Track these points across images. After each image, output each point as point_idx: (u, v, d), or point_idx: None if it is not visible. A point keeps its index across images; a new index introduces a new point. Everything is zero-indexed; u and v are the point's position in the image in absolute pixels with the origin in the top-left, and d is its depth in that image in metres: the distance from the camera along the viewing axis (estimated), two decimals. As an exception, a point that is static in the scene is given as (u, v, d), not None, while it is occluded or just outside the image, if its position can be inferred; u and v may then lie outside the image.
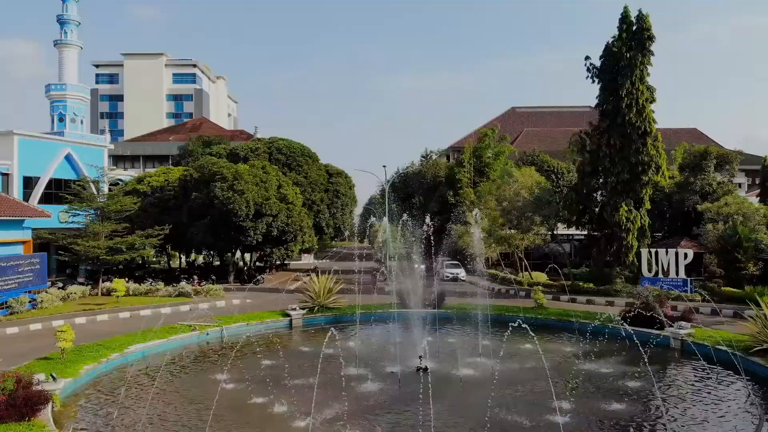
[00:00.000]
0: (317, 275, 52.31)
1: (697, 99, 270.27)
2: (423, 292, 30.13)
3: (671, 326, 20.49)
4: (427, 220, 27.22)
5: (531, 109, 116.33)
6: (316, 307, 24.54)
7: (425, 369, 16.16)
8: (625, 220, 31.83)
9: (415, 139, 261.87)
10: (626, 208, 31.93)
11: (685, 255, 32.12)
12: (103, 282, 39.81)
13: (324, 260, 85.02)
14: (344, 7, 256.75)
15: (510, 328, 15.10)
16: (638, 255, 32.62)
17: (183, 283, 36.59)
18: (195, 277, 37.76)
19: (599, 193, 33.17)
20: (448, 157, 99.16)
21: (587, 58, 33.20)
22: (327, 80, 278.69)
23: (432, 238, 24.35)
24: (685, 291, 31.72)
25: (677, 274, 32.31)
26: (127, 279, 39.28)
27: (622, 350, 18.82)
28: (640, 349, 16.16)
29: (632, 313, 21.81)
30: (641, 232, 32.60)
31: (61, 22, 64.05)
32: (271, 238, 41.93)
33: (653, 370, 16.25)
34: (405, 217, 25.33)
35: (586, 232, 37.59)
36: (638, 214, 32.41)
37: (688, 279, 32.15)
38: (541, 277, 40.15)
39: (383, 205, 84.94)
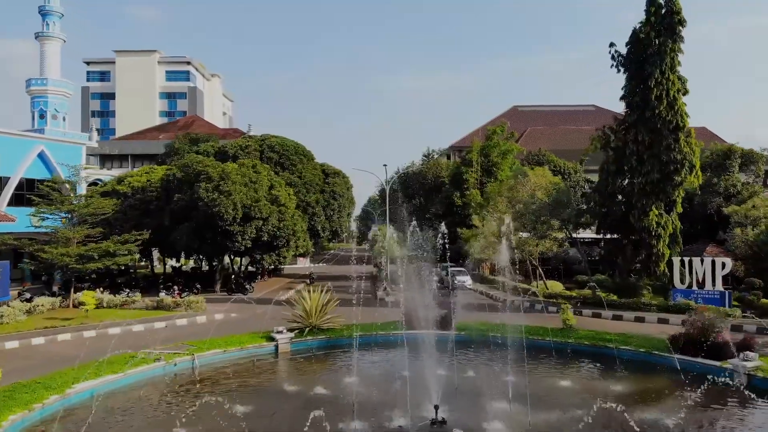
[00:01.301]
0: (310, 285, 49.45)
1: (697, 99, 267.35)
2: (432, 306, 26.86)
3: (735, 356, 17.00)
4: (443, 228, 23.64)
5: (534, 108, 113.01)
6: (308, 329, 20.93)
7: (442, 422, 12.67)
8: (655, 226, 28.40)
9: (415, 139, 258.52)
10: (656, 212, 28.50)
11: (723, 264, 28.68)
12: (76, 292, 36.38)
13: (320, 264, 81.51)
14: (345, 7, 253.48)
15: (540, 357, 11.60)
16: (669, 264, 29.16)
17: (162, 294, 33.08)
18: (175, 287, 34.18)
19: (625, 194, 29.65)
20: (448, 157, 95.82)
21: (612, 45, 29.82)
22: (326, 80, 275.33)
23: (445, 246, 20.75)
24: (723, 305, 28.30)
25: (713, 285, 28.88)
26: (101, 289, 35.78)
27: (681, 389, 15.32)
28: (703, 388, 12.80)
29: (684, 339, 18.26)
30: (672, 238, 29.16)
31: (43, 13, 60.52)
32: (262, 244, 38.41)
33: (731, 422, 12.80)
34: (413, 225, 21.51)
35: (600, 235, 34.16)
36: (669, 218, 28.96)
37: (726, 291, 28.71)
38: (556, 286, 36.69)
39: (382, 206, 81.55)
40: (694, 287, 29.26)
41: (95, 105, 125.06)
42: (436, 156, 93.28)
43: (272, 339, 19.94)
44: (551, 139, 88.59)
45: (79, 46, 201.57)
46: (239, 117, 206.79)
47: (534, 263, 35.23)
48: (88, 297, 29.88)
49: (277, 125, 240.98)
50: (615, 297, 31.61)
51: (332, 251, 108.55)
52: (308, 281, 48.56)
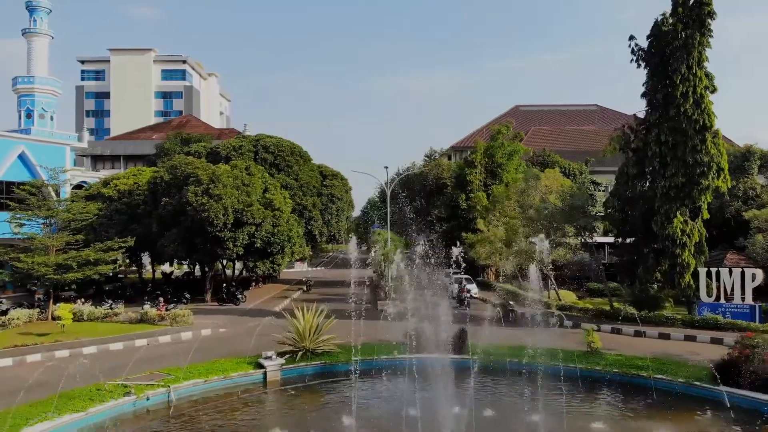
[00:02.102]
0: (307, 292, 47.30)
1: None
2: (438, 319, 24.65)
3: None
4: (457, 252, 21.36)
5: (536, 108, 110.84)
6: (301, 353, 18.59)
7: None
8: (680, 233, 26.10)
9: (414, 139, 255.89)
10: (681, 219, 26.20)
11: (753, 276, 26.43)
12: (58, 302, 34.14)
13: (318, 267, 79.25)
14: (344, 6, 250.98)
15: (566, 389, 9.37)
16: (694, 275, 26.89)
17: (146, 307, 30.77)
18: (161, 299, 31.86)
19: (646, 199, 27.32)
20: (449, 157, 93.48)
21: (632, 38, 27.51)
22: (326, 80, 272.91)
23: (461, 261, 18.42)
24: (753, 320, 26.07)
25: (743, 298, 26.64)
26: (83, 300, 33.53)
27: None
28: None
29: (734, 366, 15.90)
30: (698, 247, 26.87)
31: (30, 9, 58.20)
32: (255, 250, 36.10)
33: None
34: (417, 236, 19.14)
35: (611, 238, 31.77)
36: (695, 225, 26.67)
37: (756, 305, 26.47)
38: (569, 296, 34.44)
39: (382, 208, 79.19)
40: (722, 300, 27.03)
41: (90, 104, 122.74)
42: (437, 156, 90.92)
43: (260, 366, 17.63)
44: (555, 140, 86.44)
45: (76, 45, 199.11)
46: (237, 117, 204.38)
47: (546, 272, 32.91)
48: (64, 311, 27.60)
49: (274, 125, 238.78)
50: (634, 310, 29.37)
51: (331, 253, 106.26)
52: (305, 288, 46.34)
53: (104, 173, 78.11)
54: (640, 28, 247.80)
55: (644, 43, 27.84)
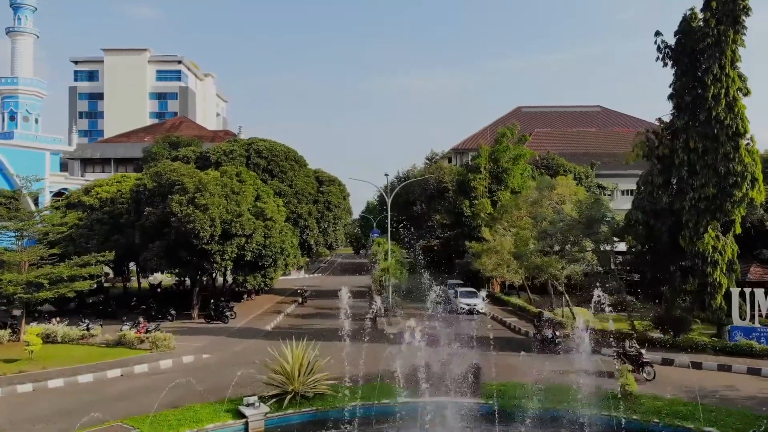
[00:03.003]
0: (302, 304, 44.71)
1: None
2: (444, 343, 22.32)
3: None
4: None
5: (538, 109, 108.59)
6: (289, 396, 16.04)
7: None
8: (711, 250, 23.63)
9: (414, 141, 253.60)
10: (713, 234, 23.72)
11: (792, 297, 23.95)
12: (33, 322, 31.71)
13: (315, 274, 76.70)
14: (345, 6, 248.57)
15: None
16: (726, 296, 24.40)
17: (125, 328, 28.22)
18: (141, 318, 29.30)
19: (673, 212, 24.80)
20: (449, 160, 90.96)
21: (658, 33, 25.03)
22: (325, 81, 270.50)
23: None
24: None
25: (780, 322, 24.17)
26: (58, 319, 31.00)
27: None
28: None
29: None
30: (729, 265, 24.37)
31: (15, 6, 55.67)
32: (245, 264, 33.62)
33: None
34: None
35: (624, 246, 29.22)
36: (726, 241, 24.18)
37: (795, 329, 23.99)
38: (584, 314, 31.88)
39: (381, 212, 76.58)
40: (757, 324, 24.56)
41: (83, 105, 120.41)
42: (437, 159, 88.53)
43: (241, 414, 15.09)
44: (558, 142, 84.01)
45: (75, 45, 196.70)
46: (235, 118, 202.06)
47: (559, 288, 30.49)
48: (32, 336, 25.02)
49: (273, 126, 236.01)
50: (659, 333, 26.89)
51: (328, 258, 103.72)
52: (300, 300, 43.82)
53: (93, 177, 75.72)
54: (640, 28, 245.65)
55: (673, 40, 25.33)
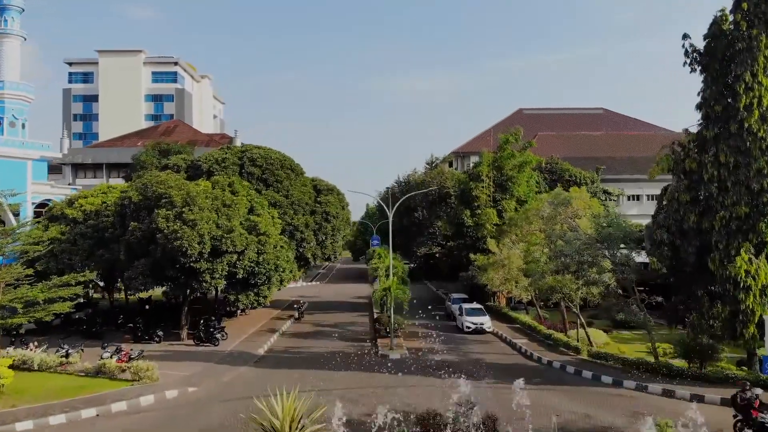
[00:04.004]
0: (299, 320, 42.59)
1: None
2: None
3: None
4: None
5: (540, 111, 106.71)
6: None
7: None
8: (743, 274, 21.56)
9: (414, 143, 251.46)
10: (745, 257, 21.66)
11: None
12: (17, 341, 29.83)
13: (313, 282, 74.56)
14: (345, 6, 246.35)
15: None
16: (759, 324, 22.33)
17: (105, 356, 26.12)
18: (121, 347, 27.14)
19: (701, 232, 22.74)
20: (450, 164, 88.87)
21: (686, 36, 22.97)
22: (325, 81, 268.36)
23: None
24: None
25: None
26: (36, 344, 28.94)
27: None
28: None
29: None
30: (763, 291, 22.29)
31: (1, 8, 53.66)
32: (236, 282, 31.55)
33: None
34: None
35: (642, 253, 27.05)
36: (760, 264, 22.11)
37: (835, 362, 21.92)
38: (599, 336, 29.88)
39: (381, 219, 74.47)
40: (791, 354, 22.49)
41: (77, 108, 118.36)
42: (437, 162, 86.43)
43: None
44: (562, 146, 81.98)
45: (74, 46, 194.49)
46: (232, 119, 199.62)
47: (574, 310, 28.42)
48: (2, 368, 22.88)
49: (270, 127, 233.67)
50: (683, 362, 24.85)
51: (326, 264, 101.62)
52: (296, 315, 41.72)
53: (85, 182, 73.67)
54: (639, 29, 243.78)
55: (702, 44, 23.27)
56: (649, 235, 24.23)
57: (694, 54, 22.87)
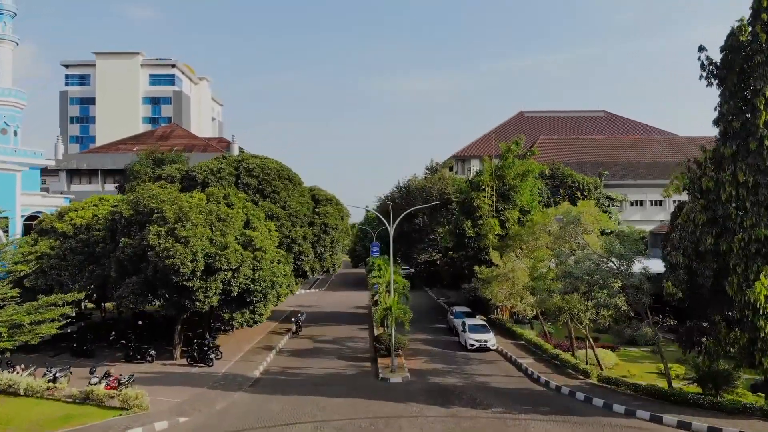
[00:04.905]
0: (296, 334, 41.46)
1: (696, 102, 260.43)
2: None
3: None
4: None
5: (541, 114, 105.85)
6: None
7: None
8: (763, 300, 20.43)
9: (414, 141, 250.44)
10: (765, 282, 20.52)
11: None
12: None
13: (312, 289, 73.47)
14: (344, 7, 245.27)
15: None
16: (779, 351, 21.20)
17: (93, 381, 25.02)
18: (110, 372, 25.98)
19: (718, 254, 21.61)
20: (451, 168, 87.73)
21: (702, 48, 21.85)
22: (324, 82, 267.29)
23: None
24: None
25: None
26: (22, 367, 27.79)
27: None
28: None
29: None
30: (783, 316, 21.15)
31: (-9, 12, 52.52)
32: (231, 300, 30.41)
33: None
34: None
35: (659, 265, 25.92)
36: (780, 289, 20.96)
37: None
38: (609, 357, 28.74)
39: (381, 225, 73.34)
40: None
41: (74, 111, 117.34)
42: (437, 166, 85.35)
43: None
44: (564, 150, 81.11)
45: (73, 47, 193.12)
46: (231, 121, 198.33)
47: (583, 331, 27.29)
48: (-18, 397, 21.84)
49: (270, 129, 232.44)
50: (697, 387, 23.77)
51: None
52: (294, 329, 40.59)
53: (80, 188, 72.61)
54: (640, 28, 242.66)
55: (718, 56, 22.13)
56: (663, 258, 23.11)
57: (711, 67, 21.74)
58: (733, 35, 21.42)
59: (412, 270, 78.86)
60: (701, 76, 21.84)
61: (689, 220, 22.20)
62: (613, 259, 24.09)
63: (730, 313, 21.73)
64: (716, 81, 21.78)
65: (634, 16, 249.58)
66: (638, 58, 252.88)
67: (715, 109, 21.88)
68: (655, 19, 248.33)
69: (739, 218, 21.14)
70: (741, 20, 21.54)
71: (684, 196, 25.16)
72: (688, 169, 22.72)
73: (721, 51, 21.65)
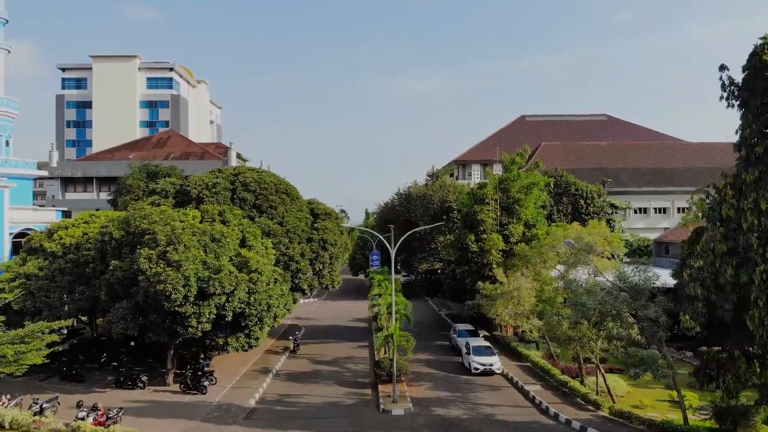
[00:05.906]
0: (294, 352, 40.31)
1: (695, 103, 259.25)
2: None
3: None
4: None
5: (542, 118, 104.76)
6: None
7: None
8: (787, 336, 19.24)
9: (414, 141, 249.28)
10: (789, 316, 19.33)
11: None
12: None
13: (311, 299, 72.16)
14: (344, 7, 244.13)
15: None
16: (803, 388, 20.05)
17: (80, 415, 23.81)
18: (97, 405, 24.75)
19: (738, 286, 20.45)
20: (451, 174, 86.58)
21: (723, 68, 20.62)
22: (323, 83, 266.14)
23: None
24: None
25: None
26: (8, 397, 26.59)
27: None
28: None
29: None
30: (807, 351, 19.98)
31: (-18, 21, 51.36)
32: (225, 324, 29.21)
33: None
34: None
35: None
36: (804, 323, 19.77)
37: None
38: (619, 386, 27.55)
39: (382, 231, 72.14)
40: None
41: (71, 114, 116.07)
42: (437, 171, 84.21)
43: None
44: (566, 156, 79.81)
45: (72, 47, 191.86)
46: (230, 122, 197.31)
47: (593, 360, 26.11)
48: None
49: (270, 129, 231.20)
50: (715, 424, 22.61)
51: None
52: (291, 347, 39.41)
53: (75, 196, 71.46)
54: (640, 28, 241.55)
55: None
56: (680, 289, 21.93)
57: (732, 87, 20.54)
58: (755, 54, 20.20)
59: (413, 277, 77.69)
60: (722, 97, 20.62)
61: (708, 250, 21.00)
62: (626, 288, 22.88)
63: (750, 348, 20.56)
64: (737, 103, 20.59)
65: (634, 16, 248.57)
66: (638, 59, 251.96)
67: (736, 133, 20.69)
68: (655, 19, 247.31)
69: (761, 249, 19.94)
70: (764, 38, 20.34)
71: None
72: (707, 195, 21.54)
73: (743, 71, 20.44)
